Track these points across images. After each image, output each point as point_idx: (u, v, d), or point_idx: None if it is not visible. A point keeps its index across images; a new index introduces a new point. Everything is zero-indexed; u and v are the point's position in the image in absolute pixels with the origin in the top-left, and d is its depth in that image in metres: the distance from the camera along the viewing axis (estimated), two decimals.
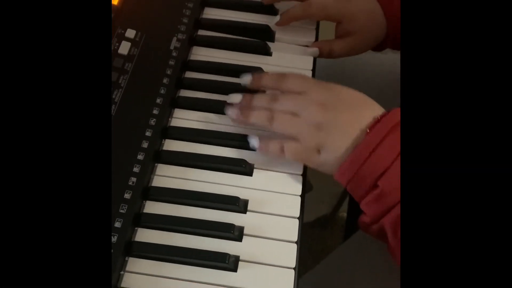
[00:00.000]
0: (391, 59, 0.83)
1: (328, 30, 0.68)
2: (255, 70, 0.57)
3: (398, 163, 0.45)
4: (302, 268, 0.48)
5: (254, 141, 0.52)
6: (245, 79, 0.55)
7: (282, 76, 0.54)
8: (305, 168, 0.53)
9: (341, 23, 0.62)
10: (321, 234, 1.14)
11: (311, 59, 0.61)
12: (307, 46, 0.62)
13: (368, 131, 0.47)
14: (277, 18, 0.62)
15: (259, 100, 0.53)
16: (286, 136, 0.51)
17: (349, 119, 0.49)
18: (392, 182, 0.45)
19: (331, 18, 0.62)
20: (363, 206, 0.48)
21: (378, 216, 0.47)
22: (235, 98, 0.54)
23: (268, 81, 0.54)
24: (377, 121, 0.47)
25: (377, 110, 0.49)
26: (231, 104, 0.54)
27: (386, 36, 0.63)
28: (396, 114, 0.48)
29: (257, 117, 0.52)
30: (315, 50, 0.61)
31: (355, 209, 0.66)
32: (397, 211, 0.45)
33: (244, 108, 0.53)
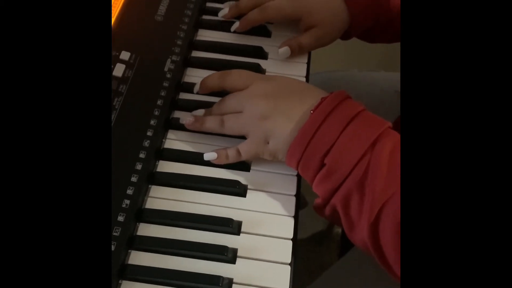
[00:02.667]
0: (384, 77, 0.84)
1: (320, 55, 0.69)
2: None
3: (342, 139, 0.46)
4: (298, 285, 0.48)
5: (210, 155, 0.53)
6: (195, 87, 0.57)
7: (225, 73, 0.55)
8: (299, 188, 0.53)
9: (301, 19, 0.63)
10: (317, 251, 1.14)
11: (303, 79, 0.62)
12: (299, 62, 0.63)
13: (311, 112, 0.48)
14: (270, 39, 0.63)
15: (213, 107, 0.55)
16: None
17: (291, 104, 0.50)
18: (337, 159, 0.46)
19: (289, 17, 0.63)
20: (314, 187, 0.49)
21: (328, 196, 0.47)
22: (198, 113, 0.56)
23: (212, 81, 0.56)
24: (320, 102, 0.48)
25: (319, 93, 0.51)
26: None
27: (351, 23, 0.63)
28: (339, 95, 0.49)
29: (210, 122, 0.54)
30: (285, 49, 0.62)
31: None
32: (345, 188, 0.46)
33: (199, 116, 0.55)
